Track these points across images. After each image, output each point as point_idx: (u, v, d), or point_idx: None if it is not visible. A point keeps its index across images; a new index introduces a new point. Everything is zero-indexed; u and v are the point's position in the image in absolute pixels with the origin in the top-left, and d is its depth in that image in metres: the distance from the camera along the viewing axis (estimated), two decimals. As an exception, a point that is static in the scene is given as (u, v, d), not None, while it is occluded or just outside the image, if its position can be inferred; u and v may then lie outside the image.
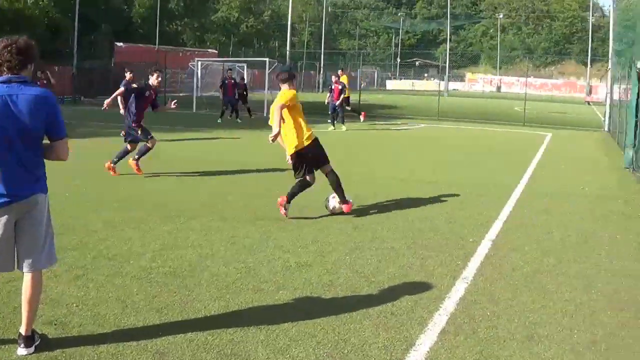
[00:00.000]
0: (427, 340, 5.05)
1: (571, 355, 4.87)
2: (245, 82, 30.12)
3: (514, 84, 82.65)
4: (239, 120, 26.50)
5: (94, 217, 8.82)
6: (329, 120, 24.50)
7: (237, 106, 27.58)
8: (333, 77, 25.67)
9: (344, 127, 23.86)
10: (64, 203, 9.49)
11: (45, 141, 4.49)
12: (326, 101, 25.50)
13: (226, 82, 27.24)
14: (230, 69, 29.20)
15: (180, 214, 9.14)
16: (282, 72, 9.53)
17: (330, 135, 20.83)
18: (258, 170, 13.40)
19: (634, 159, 14.73)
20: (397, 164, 15.78)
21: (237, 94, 27.62)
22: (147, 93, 12.47)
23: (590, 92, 63.57)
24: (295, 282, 6.34)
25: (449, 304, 5.85)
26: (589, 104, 56.46)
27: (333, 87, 24.53)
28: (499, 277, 6.72)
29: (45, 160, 4.58)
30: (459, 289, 6.28)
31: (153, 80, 12.59)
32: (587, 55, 73.79)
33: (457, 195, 11.31)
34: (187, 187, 11.45)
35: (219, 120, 26.33)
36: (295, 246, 7.68)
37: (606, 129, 27.79)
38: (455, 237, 8.37)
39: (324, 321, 5.34)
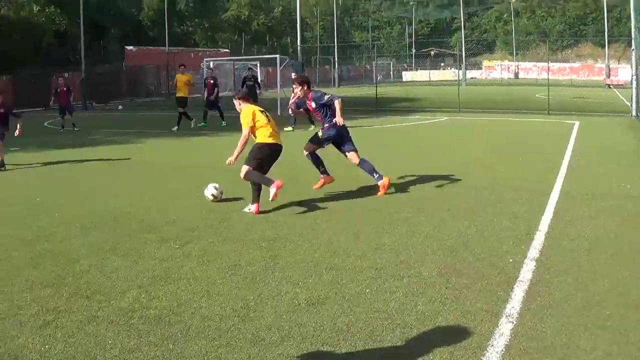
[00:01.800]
0: (471, 415, 3.96)
1: None
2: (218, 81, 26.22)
3: (531, 70, 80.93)
4: (193, 125, 23.66)
5: (79, 241, 7.88)
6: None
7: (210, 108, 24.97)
8: (207, 70, 25.35)
9: (223, 123, 23.53)
10: (53, 224, 8.78)
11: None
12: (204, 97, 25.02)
13: (206, 81, 24.93)
14: (210, 68, 26.83)
15: (178, 237, 8.13)
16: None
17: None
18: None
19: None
20: (419, 162, 14.47)
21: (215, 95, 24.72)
22: (303, 107, 12.22)
23: (609, 74, 61.97)
24: (304, 328, 5.25)
25: (492, 356, 4.72)
26: (609, 86, 55.02)
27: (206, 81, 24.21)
28: (549, 312, 5.53)
29: None
30: (502, 332, 5.12)
31: (298, 91, 11.01)
32: (604, 36, 72.04)
33: (489, 200, 10.12)
34: (186, 203, 10.29)
35: (202, 124, 24.05)
36: (306, 276, 6.61)
37: (634, 114, 26.06)
38: (492, 256, 7.19)
39: (340, 389, 4.26)
